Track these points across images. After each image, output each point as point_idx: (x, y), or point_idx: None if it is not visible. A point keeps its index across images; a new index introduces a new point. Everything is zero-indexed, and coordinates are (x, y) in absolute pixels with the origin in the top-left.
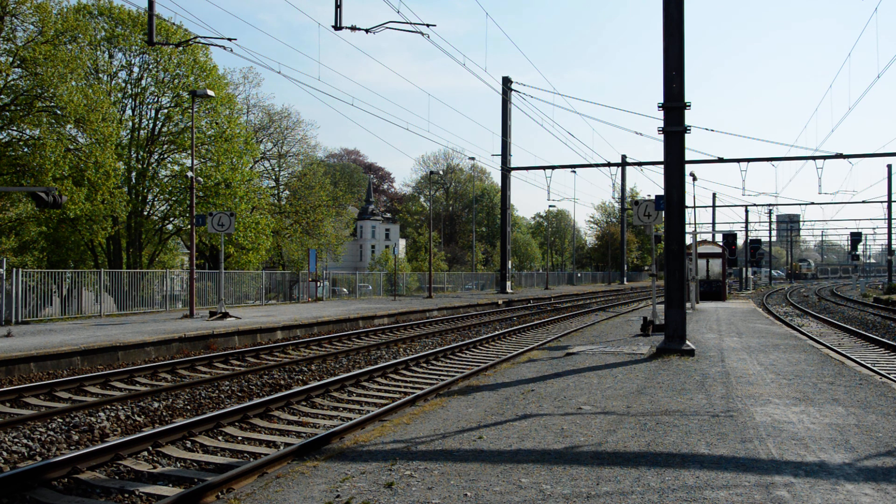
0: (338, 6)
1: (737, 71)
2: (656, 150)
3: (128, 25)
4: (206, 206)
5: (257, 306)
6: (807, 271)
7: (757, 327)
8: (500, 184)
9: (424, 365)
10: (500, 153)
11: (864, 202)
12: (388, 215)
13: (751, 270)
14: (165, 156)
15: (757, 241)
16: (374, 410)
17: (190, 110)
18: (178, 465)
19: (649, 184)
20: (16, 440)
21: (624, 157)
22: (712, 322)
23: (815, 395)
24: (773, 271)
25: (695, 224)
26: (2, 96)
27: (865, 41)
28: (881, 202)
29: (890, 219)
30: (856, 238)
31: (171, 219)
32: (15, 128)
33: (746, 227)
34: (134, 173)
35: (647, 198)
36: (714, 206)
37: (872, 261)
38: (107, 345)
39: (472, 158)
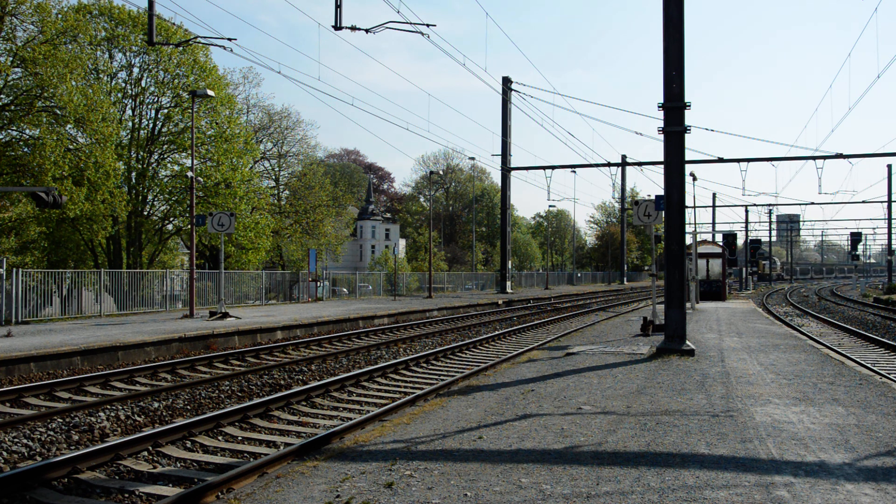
0: (338, 6)
1: (737, 71)
2: (656, 150)
3: (128, 25)
4: (206, 206)
5: (257, 306)
6: (771, 271)
7: (757, 327)
8: (500, 184)
9: (424, 365)
10: (500, 153)
11: (864, 202)
12: (388, 215)
13: (751, 270)
14: (165, 156)
15: (757, 241)
16: (374, 410)
17: (190, 110)
18: (178, 465)
19: (649, 184)
20: (16, 440)
21: (624, 157)
22: (712, 322)
23: (815, 395)
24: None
25: (695, 224)
26: (2, 96)
27: (865, 42)
28: (881, 202)
29: (890, 219)
30: (856, 238)
31: (171, 219)
32: (15, 128)
33: (746, 227)
34: (134, 173)
35: (647, 198)
36: (714, 206)
37: (872, 261)
38: (107, 345)
39: (472, 158)
